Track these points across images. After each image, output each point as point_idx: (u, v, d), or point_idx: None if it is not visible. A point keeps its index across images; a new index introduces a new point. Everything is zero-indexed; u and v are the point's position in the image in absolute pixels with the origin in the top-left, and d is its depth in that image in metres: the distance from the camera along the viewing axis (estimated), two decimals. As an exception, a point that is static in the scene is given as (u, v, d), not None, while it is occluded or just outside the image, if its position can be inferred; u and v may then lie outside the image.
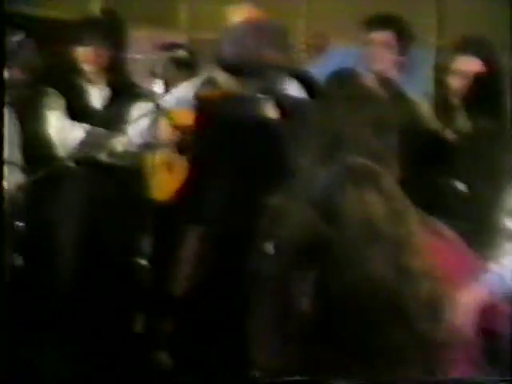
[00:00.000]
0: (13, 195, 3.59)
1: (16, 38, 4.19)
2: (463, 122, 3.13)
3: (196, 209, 3.02)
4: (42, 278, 3.69)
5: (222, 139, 2.95)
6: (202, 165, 3.08)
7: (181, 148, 3.53)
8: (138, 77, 3.93)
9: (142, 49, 4.31)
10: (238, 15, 3.42)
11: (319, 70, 3.40)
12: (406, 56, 3.36)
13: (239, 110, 2.94)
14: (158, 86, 3.73)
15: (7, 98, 3.73)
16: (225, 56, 3.01)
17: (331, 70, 3.37)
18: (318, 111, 2.61)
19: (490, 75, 3.09)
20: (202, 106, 3.17)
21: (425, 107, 3.26)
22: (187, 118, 3.47)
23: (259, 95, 2.90)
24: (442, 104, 3.24)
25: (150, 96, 3.78)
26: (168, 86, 3.70)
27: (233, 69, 3.01)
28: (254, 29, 3.00)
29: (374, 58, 3.32)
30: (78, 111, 3.76)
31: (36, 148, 3.77)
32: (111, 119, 3.75)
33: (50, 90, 3.79)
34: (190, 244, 3.11)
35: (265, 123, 2.85)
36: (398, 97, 3.29)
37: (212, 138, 3.02)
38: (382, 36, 3.34)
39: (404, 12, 3.80)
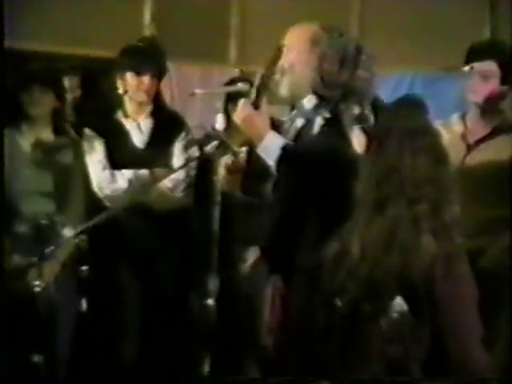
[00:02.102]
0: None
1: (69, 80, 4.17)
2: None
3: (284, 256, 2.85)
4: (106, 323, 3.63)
5: (310, 179, 2.79)
6: (289, 209, 2.90)
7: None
8: (199, 112, 3.80)
9: (197, 85, 4.25)
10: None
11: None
12: (507, 85, 3.24)
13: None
14: (219, 121, 3.61)
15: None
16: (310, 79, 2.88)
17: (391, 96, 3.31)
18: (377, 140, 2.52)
19: None
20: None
21: None
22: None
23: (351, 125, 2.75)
24: None
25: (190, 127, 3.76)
26: (230, 120, 3.54)
27: (316, 92, 2.88)
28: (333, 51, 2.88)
29: (474, 88, 3.25)
30: (120, 151, 3.68)
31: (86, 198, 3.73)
32: (155, 153, 3.67)
33: (90, 134, 3.70)
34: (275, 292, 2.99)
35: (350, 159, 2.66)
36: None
37: (297, 178, 2.86)
38: (483, 66, 3.25)
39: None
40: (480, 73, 3.23)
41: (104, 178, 3.61)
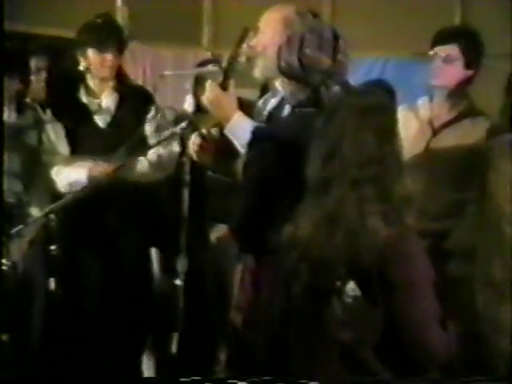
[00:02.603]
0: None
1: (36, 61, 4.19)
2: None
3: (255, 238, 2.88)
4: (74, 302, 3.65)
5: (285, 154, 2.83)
6: (258, 189, 2.94)
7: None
8: (169, 93, 3.85)
9: (170, 67, 4.30)
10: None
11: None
12: (471, 69, 3.31)
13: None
14: (188, 102, 3.65)
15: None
16: (285, 63, 2.91)
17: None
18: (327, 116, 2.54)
19: None
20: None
21: None
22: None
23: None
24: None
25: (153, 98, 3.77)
26: (199, 101, 3.57)
27: (294, 76, 2.91)
28: (312, 34, 2.92)
29: (437, 72, 3.31)
30: (82, 133, 3.67)
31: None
32: (120, 133, 3.64)
33: (50, 118, 3.68)
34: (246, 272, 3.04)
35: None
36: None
37: (265, 160, 2.91)
38: (445, 50, 3.31)
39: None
40: (442, 57, 3.28)
41: (64, 173, 3.62)
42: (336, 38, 2.90)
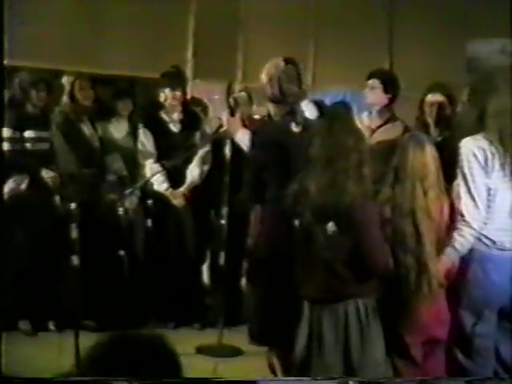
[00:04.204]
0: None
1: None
2: (434, 134, 4.30)
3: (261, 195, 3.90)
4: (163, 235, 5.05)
5: (270, 146, 3.93)
6: (258, 166, 3.96)
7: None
8: (217, 108, 5.33)
9: (217, 93, 5.72)
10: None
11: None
12: (390, 94, 4.49)
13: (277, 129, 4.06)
14: (225, 115, 4.82)
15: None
16: (271, 93, 4.08)
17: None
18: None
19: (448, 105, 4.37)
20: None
21: None
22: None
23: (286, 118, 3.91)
24: (421, 123, 4.37)
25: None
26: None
27: (276, 101, 4.05)
28: (285, 74, 4.04)
29: (367, 95, 4.58)
30: (163, 136, 5.00)
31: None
32: (185, 135, 4.96)
33: (144, 131, 5.00)
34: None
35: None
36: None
37: (262, 147, 4.03)
38: (371, 82, 4.51)
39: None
40: (370, 86, 4.52)
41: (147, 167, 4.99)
42: (299, 75, 4.06)
